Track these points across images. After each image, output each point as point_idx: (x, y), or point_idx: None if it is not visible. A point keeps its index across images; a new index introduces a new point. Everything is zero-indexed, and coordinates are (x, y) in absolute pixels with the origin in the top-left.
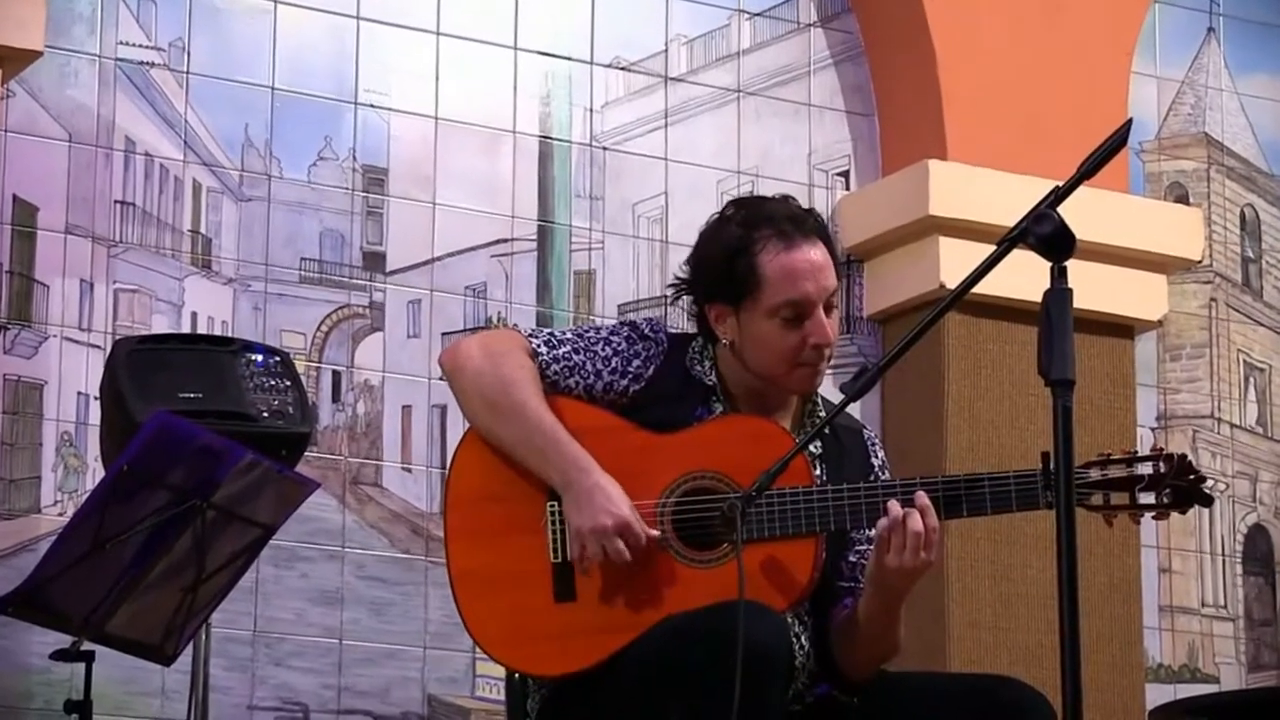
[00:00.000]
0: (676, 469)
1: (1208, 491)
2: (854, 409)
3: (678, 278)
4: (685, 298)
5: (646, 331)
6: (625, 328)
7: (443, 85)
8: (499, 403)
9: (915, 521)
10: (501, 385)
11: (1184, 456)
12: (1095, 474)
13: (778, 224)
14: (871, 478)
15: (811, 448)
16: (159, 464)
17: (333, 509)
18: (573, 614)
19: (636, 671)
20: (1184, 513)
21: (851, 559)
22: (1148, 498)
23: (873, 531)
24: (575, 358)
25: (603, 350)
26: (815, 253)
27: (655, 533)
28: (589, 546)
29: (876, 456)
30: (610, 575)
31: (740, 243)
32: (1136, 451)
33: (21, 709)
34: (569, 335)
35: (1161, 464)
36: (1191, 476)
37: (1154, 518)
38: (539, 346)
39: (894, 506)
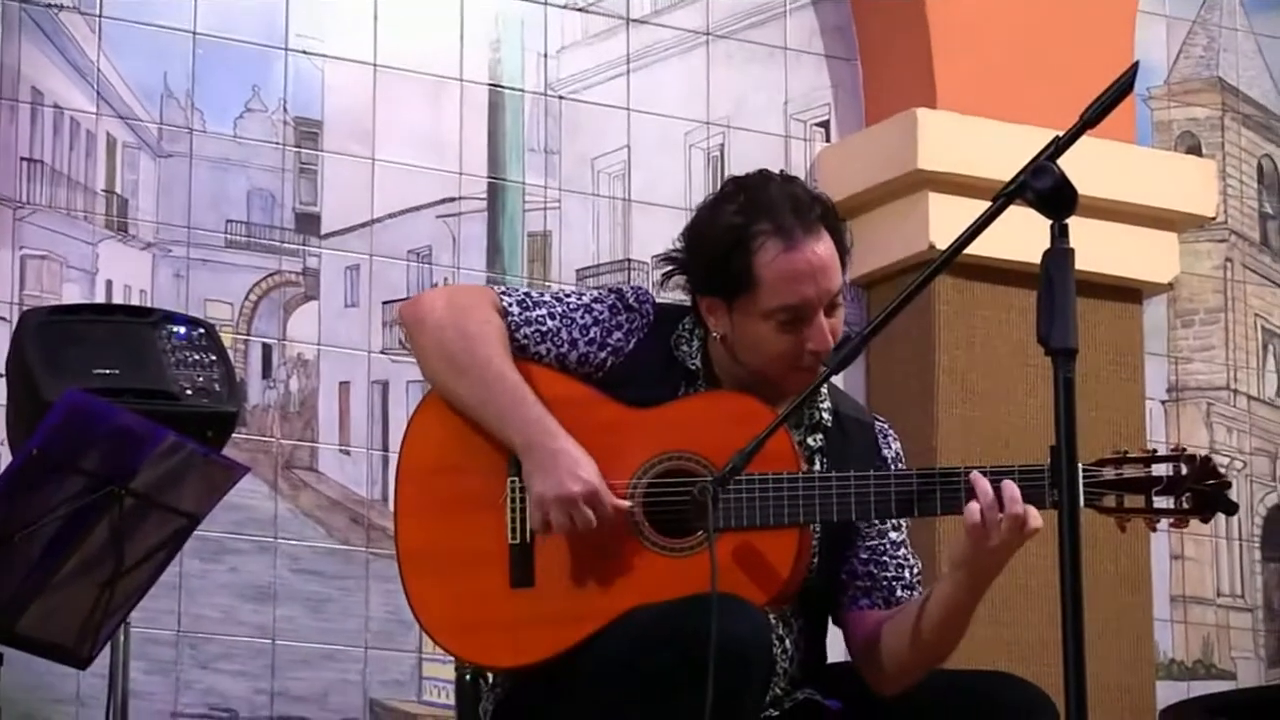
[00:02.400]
0: (651, 448)
1: (1232, 498)
2: (837, 383)
3: (670, 257)
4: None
5: (632, 302)
6: (610, 295)
7: (382, 29)
8: (459, 359)
9: (1013, 489)
10: (464, 340)
11: (1207, 458)
12: (1109, 473)
13: (779, 216)
14: (882, 470)
15: (810, 440)
16: (72, 447)
17: (264, 496)
18: (529, 602)
19: (598, 670)
20: (1206, 521)
21: (864, 555)
22: (1165, 502)
23: (879, 521)
24: (550, 323)
25: (582, 318)
26: (819, 250)
27: (626, 504)
28: (553, 515)
29: (890, 448)
30: (572, 561)
31: (737, 236)
32: (1155, 450)
33: None
34: (546, 298)
35: (1182, 465)
36: (1215, 480)
37: (1171, 524)
38: (510, 306)
39: (981, 483)
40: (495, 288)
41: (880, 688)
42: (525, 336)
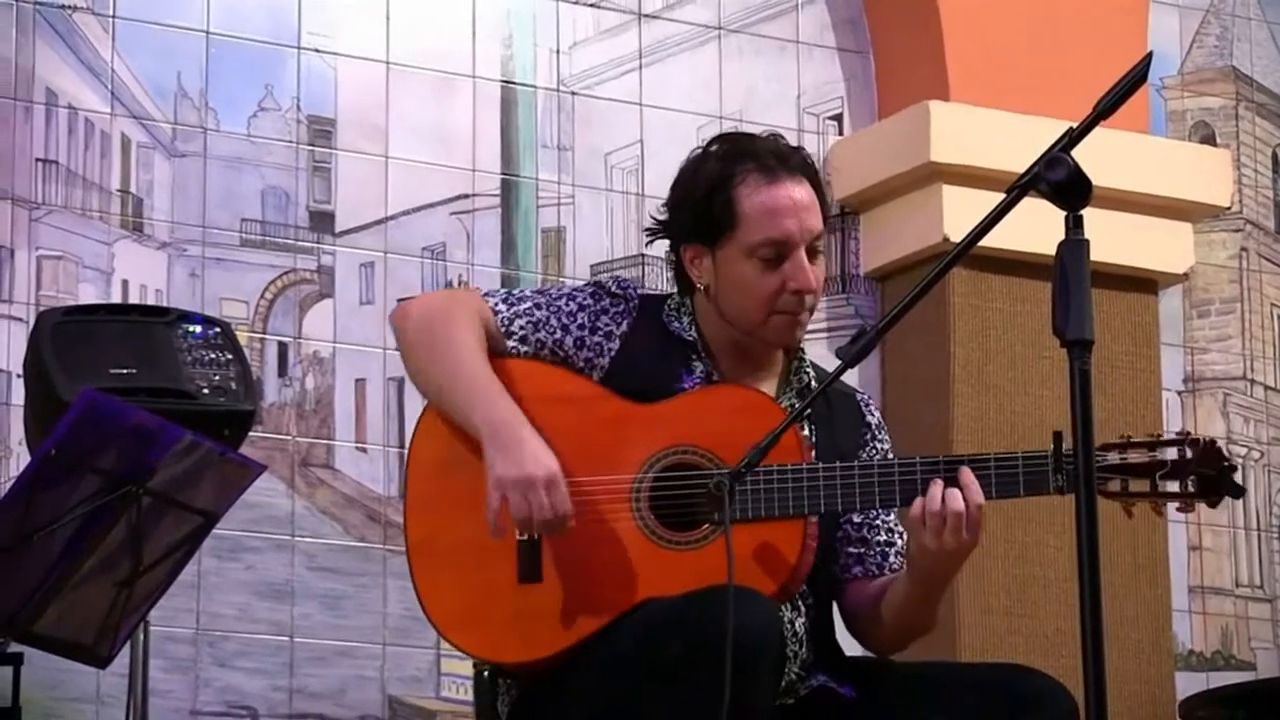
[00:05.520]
0: (656, 443)
1: (1238, 481)
2: (851, 376)
3: (654, 219)
4: (664, 246)
5: (614, 289)
6: (590, 286)
7: (394, 26)
8: (434, 348)
9: (956, 500)
10: (443, 331)
11: (1212, 441)
12: (1114, 458)
13: (761, 158)
14: (868, 438)
15: (799, 404)
16: (89, 447)
17: (280, 494)
18: (537, 597)
19: (611, 663)
20: (1213, 505)
21: (857, 520)
22: (1171, 486)
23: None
24: (538, 313)
25: (567, 305)
26: (799, 191)
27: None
28: (511, 497)
29: (873, 415)
30: (580, 556)
31: (719, 177)
32: (1160, 434)
33: None
34: (529, 293)
35: (1187, 449)
36: (1222, 464)
37: (1178, 509)
38: (497, 305)
39: (934, 484)
40: (479, 291)
41: (874, 651)
42: (521, 328)
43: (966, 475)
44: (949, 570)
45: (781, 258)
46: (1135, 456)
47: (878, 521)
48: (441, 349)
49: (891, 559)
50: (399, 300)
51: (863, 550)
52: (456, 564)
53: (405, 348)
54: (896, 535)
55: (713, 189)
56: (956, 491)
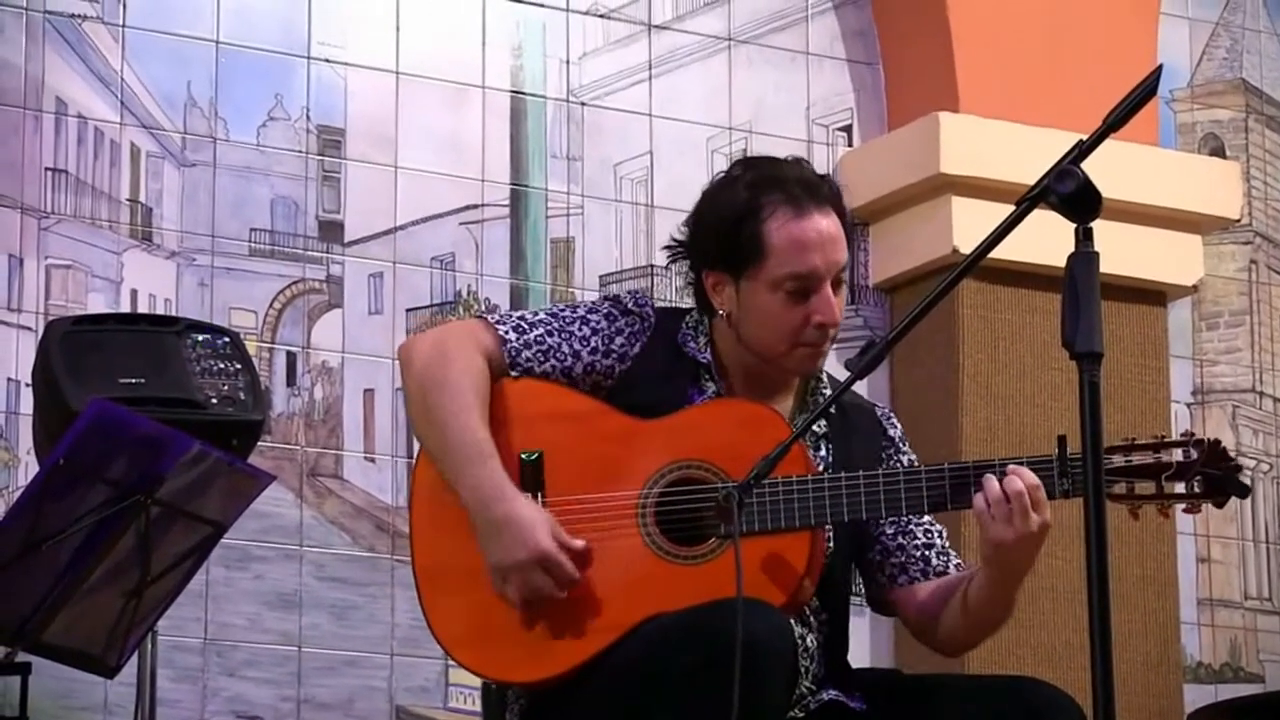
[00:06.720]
0: (661, 457)
1: (1244, 481)
2: (860, 387)
3: (675, 239)
4: (681, 263)
5: (630, 306)
6: (606, 303)
7: (404, 36)
8: (431, 408)
9: (1013, 482)
10: (439, 388)
11: (1217, 441)
12: (1119, 460)
13: (789, 189)
14: (891, 450)
15: (815, 427)
16: (97, 456)
17: (289, 504)
18: (547, 615)
19: (620, 675)
20: (1219, 505)
21: (890, 530)
22: (1176, 487)
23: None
24: (549, 340)
25: (580, 330)
26: (827, 223)
27: (580, 544)
28: (511, 582)
29: (895, 428)
30: (586, 574)
31: (747, 207)
32: (1164, 435)
33: None
34: (542, 316)
35: (1192, 449)
36: (1226, 464)
37: (1184, 510)
38: (507, 333)
39: (989, 479)
40: (490, 317)
41: (944, 653)
42: (528, 359)
43: (1011, 467)
44: (1029, 557)
45: (807, 292)
46: (1140, 458)
47: (911, 527)
48: (433, 408)
49: (934, 560)
50: (407, 310)
51: (903, 558)
52: (464, 584)
53: (406, 399)
54: (935, 535)
55: (740, 218)
56: (1010, 476)
